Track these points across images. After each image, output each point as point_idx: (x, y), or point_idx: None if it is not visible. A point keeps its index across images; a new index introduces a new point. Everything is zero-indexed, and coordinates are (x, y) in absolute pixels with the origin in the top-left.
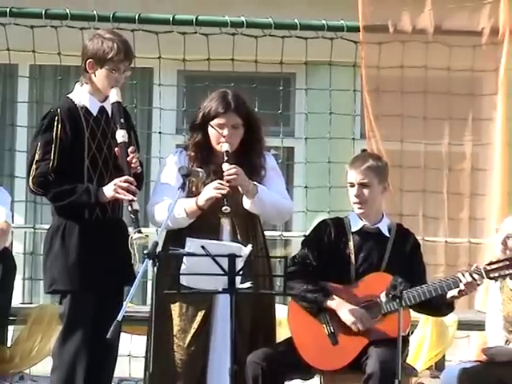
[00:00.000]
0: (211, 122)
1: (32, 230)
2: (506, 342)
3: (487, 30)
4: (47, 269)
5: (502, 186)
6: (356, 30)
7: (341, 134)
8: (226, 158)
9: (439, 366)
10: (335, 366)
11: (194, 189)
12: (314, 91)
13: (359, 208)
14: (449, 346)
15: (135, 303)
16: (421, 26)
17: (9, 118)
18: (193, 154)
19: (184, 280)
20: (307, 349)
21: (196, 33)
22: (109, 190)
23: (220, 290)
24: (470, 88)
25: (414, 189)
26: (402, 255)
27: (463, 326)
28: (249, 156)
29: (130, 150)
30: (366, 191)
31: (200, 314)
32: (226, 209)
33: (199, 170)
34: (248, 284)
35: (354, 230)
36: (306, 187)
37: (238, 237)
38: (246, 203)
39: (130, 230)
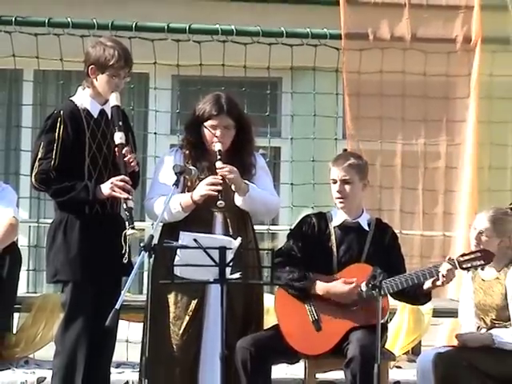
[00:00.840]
0: (205, 123)
1: (36, 224)
2: (478, 328)
3: (460, 37)
4: (50, 260)
5: (472, 184)
6: (338, 37)
7: (324, 134)
8: (218, 157)
9: (415, 351)
10: (319, 351)
11: (188, 184)
12: (299, 95)
13: (341, 203)
14: (424, 332)
15: (132, 292)
16: (398, 33)
17: (14, 120)
18: (187, 152)
19: (178, 271)
20: (293, 335)
21: (189, 40)
22: (106, 188)
23: (211, 280)
24: (445, 92)
25: (392, 185)
26: (380, 247)
27: (438, 313)
28: (240, 155)
29: (126, 150)
30: (347, 187)
31: (193, 303)
32: (220, 203)
33: (192, 168)
34: (237, 274)
35: (335, 224)
36: (291, 184)
37: (230, 230)
38: (238, 200)
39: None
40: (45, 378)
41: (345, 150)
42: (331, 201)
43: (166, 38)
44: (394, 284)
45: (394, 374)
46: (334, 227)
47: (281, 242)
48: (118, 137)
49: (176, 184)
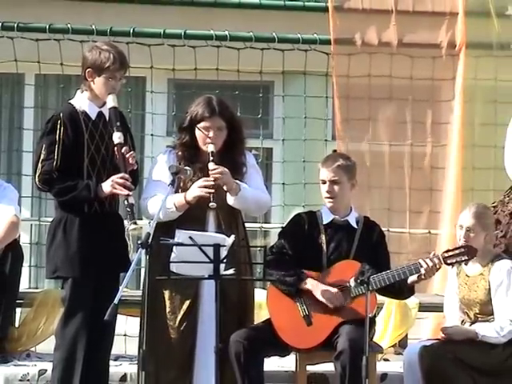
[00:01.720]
0: (198, 125)
1: (37, 222)
2: (462, 322)
3: (445, 43)
4: (50, 257)
5: (457, 183)
6: (328, 42)
7: (314, 136)
8: (211, 158)
9: (402, 344)
10: (309, 345)
11: (181, 184)
12: (291, 98)
13: (330, 202)
14: (411, 325)
15: (130, 288)
16: (386, 39)
17: (16, 122)
18: (180, 153)
19: (174, 267)
20: (284, 329)
21: (184, 45)
22: (107, 186)
23: (206, 276)
24: (430, 95)
25: (380, 185)
26: (368, 245)
27: (424, 308)
28: (232, 155)
29: (125, 149)
30: (336, 187)
31: (188, 297)
32: (212, 205)
33: (187, 168)
34: (231, 271)
35: (325, 222)
36: (283, 184)
37: (222, 227)
38: (230, 200)
39: (126, 222)
40: (46, 370)
41: (334, 151)
42: (321, 200)
43: (162, 43)
44: (381, 279)
45: (381, 366)
46: (324, 225)
47: (273, 239)
48: (117, 136)
49: (172, 184)
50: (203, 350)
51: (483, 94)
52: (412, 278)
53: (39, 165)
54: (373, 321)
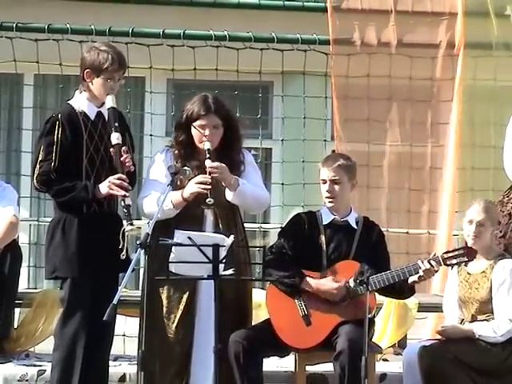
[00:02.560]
0: (194, 123)
1: (36, 222)
2: (462, 321)
3: (444, 43)
4: (49, 257)
5: (453, 184)
6: (327, 43)
7: (313, 136)
8: (207, 156)
9: (402, 344)
10: (309, 345)
11: (178, 183)
12: (290, 98)
13: (330, 202)
14: (410, 326)
15: (129, 288)
16: (385, 39)
17: (15, 122)
18: (177, 151)
19: (173, 267)
20: (284, 329)
21: (183, 45)
22: (104, 187)
23: (205, 276)
24: (429, 95)
25: (379, 185)
26: (368, 245)
27: (423, 308)
28: (229, 153)
29: (123, 150)
30: (336, 187)
31: (185, 297)
32: (209, 200)
33: (186, 168)
34: (230, 271)
35: (325, 222)
36: (282, 184)
37: (220, 226)
38: (229, 195)
39: (124, 223)
40: (45, 370)
41: (333, 151)
42: (321, 200)
43: (161, 43)
44: (380, 280)
45: (380, 367)
46: (324, 226)
47: (272, 239)
48: (115, 137)
49: (171, 184)
50: (200, 348)
51: (482, 94)
52: (412, 279)
53: (37, 166)
54: (372, 321)
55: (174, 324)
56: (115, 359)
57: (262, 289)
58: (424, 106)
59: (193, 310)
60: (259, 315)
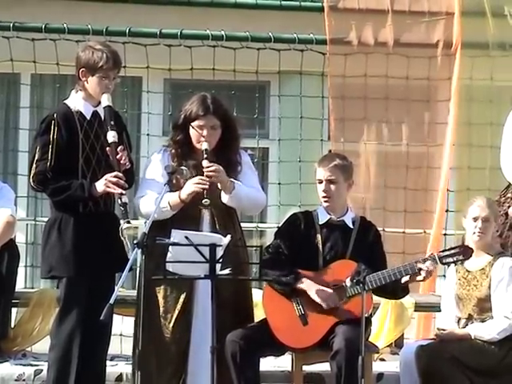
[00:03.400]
0: (192, 124)
1: (33, 222)
2: (459, 320)
3: (441, 43)
4: (45, 257)
5: (444, 183)
6: (324, 42)
7: (310, 136)
8: (205, 156)
9: (398, 344)
10: (305, 344)
11: (174, 181)
12: (287, 97)
13: (326, 202)
14: (407, 325)
15: (126, 288)
16: (382, 39)
17: (12, 122)
18: (174, 151)
19: (170, 267)
20: (280, 329)
21: (180, 45)
22: (100, 185)
23: (202, 275)
24: (426, 95)
25: (376, 185)
26: (364, 245)
27: (420, 307)
28: (226, 153)
29: (119, 148)
30: (332, 187)
31: (182, 297)
32: (206, 201)
33: (184, 168)
34: (227, 270)
35: (321, 222)
36: (279, 184)
37: (217, 227)
38: (224, 198)
39: (121, 221)
40: (41, 370)
41: (330, 150)
42: (317, 200)
43: (158, 43)
44: (377, 279)
45: (377, 366)
46: (320, 225)
47: (269, 239)
48: (111, 135)
49: (168, 183)
50: (197, 347)
51: (479, 94)
52: (405, 278)
53: (33, 165)
54: (369, 321)
55: (171, 324)
56: (112, 359)
57: (259, 288)
58: (421, 105)
59: (190, 310)
60: (256, 315)
